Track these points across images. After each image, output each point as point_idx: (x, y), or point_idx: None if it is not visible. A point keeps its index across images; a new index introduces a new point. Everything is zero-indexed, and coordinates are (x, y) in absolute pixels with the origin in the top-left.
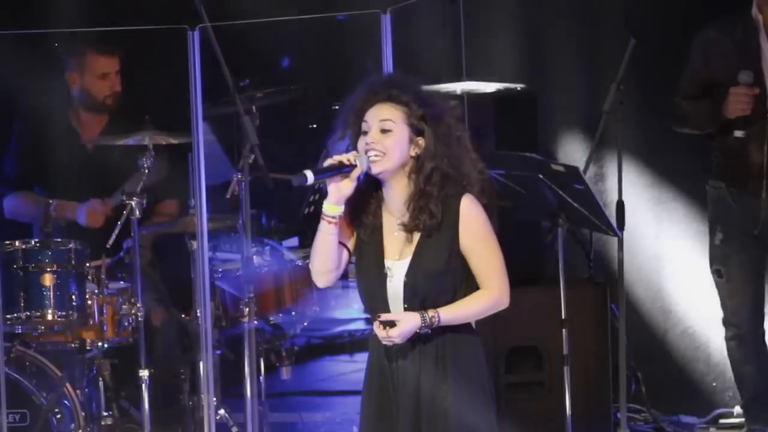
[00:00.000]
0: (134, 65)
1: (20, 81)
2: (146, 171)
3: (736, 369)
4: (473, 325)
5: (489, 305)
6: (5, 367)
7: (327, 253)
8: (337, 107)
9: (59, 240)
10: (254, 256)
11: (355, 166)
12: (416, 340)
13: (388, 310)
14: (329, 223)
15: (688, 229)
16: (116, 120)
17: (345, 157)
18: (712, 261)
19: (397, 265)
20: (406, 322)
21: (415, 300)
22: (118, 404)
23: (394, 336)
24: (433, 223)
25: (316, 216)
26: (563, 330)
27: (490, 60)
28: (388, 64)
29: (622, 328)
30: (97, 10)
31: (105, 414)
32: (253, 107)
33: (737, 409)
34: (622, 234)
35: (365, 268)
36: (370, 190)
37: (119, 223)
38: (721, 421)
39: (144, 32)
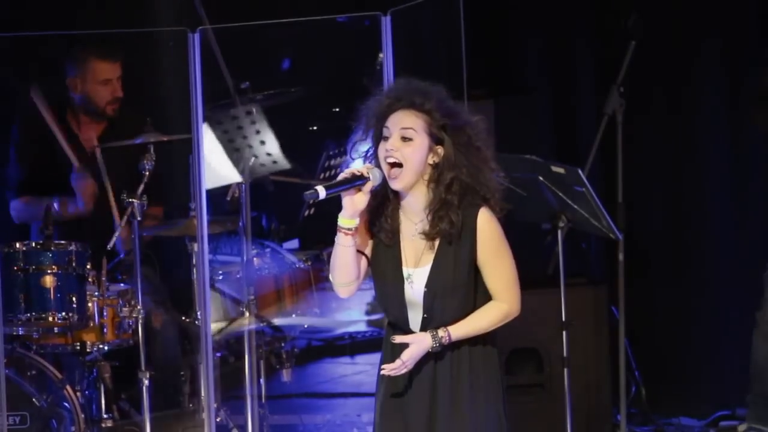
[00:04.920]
0: (135, 68)
1: (18, 84)
2: (147, 173)
3: (759, 364)
4: (494, 336)
5: (500, 318)
6: (5, 369)
7: (347, 265)
8: (337, 110)
9: (60, 242)
10: (255, 259)
11: (369, 179)
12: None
13: (406, 315)
14: (346, 235)
15: (693, 228)
16: (115, 125)
17: (358, 170)
18: None
19: (416, 273)
20: (416, 346)
21: (435, 309)
22: (118, 406)
23: (406, 360)
24: (454, 231)
25: (316, 218)
26: (563, 332)
27: (491, 61)
28: (388, 66)
29: (622, 330)
30: (97, 13)
31: (105, 416)
32: (254, 109)
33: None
34: (623, 236)
35: (382, 272)
36: (387, 193)
37: (120, 225)
38: (722, 423)
39: (144, 35)
